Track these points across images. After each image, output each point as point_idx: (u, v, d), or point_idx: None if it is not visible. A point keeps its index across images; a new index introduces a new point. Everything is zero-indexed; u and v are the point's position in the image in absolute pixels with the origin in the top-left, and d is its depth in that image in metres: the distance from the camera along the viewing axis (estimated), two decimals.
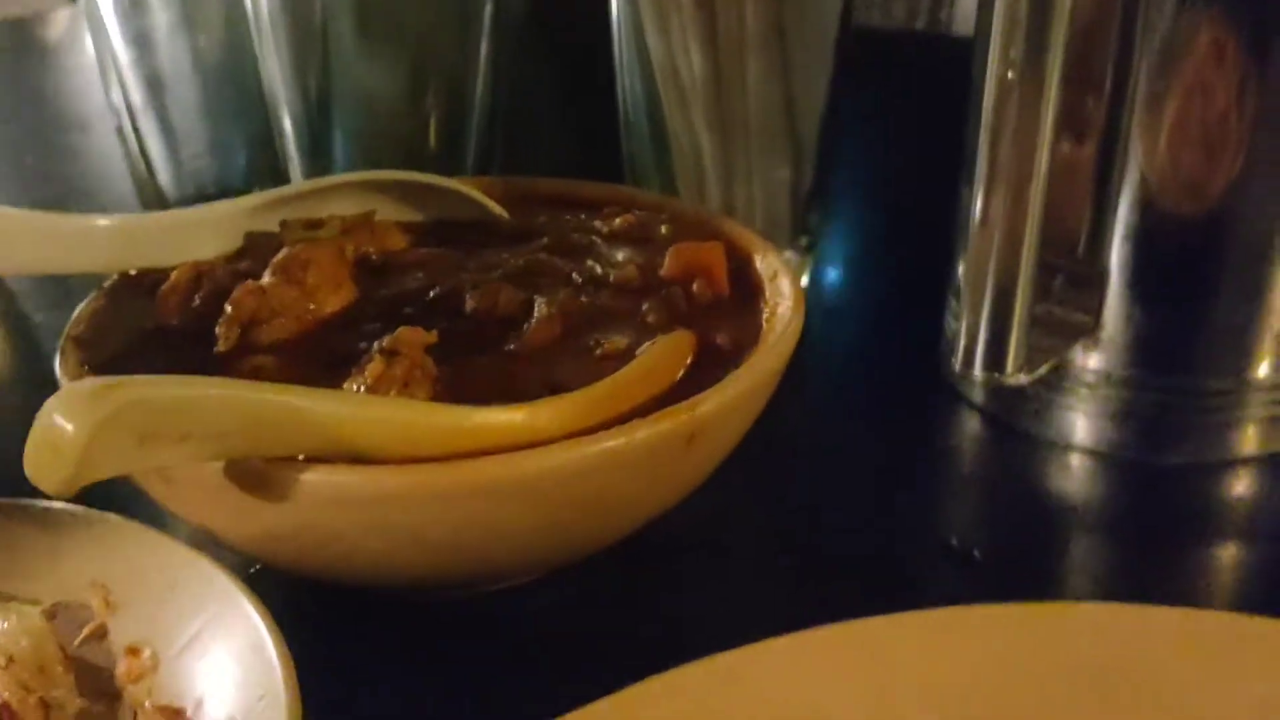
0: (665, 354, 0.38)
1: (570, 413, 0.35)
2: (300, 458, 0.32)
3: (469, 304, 0.40)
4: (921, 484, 0.47)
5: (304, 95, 0.58)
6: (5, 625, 0.35)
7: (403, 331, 0.36)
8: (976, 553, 0.42)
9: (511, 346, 0.38)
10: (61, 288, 0.63)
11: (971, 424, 0.49)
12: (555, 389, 0.36)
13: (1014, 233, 0.40)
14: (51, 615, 0.36)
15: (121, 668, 0.35)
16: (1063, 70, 0.39)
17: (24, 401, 0.50)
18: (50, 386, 0.51)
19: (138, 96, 0.65)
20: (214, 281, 0.41)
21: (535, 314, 0.39)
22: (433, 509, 0.33)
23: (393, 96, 0.58)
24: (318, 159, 0.59)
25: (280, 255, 0.41)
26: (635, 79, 0.58)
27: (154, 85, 0.65)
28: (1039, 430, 0.48)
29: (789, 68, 0.54)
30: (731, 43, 0.53)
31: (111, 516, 0.39)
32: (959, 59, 0.50)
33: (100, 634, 0.36)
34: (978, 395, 0.50)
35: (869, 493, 0.46)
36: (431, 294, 0.41)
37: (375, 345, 0.36)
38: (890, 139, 0.69)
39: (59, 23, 1.15)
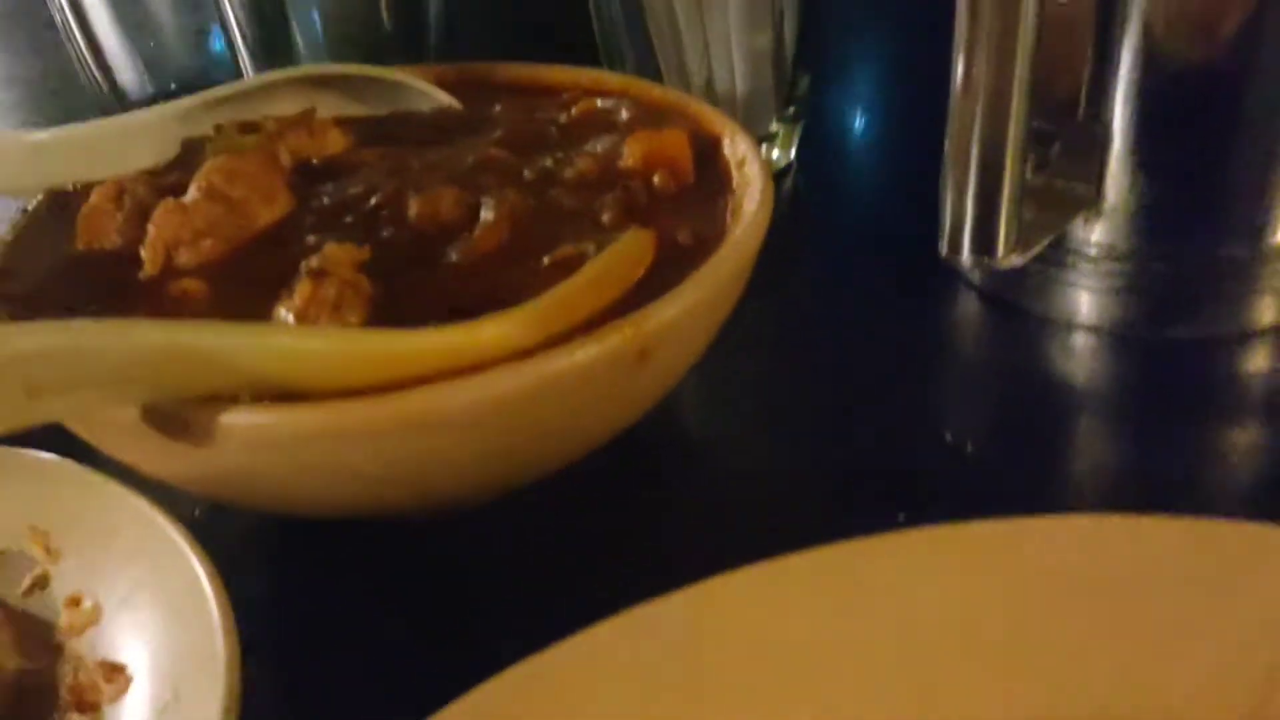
0: (620, 257, 0.34)
1: (514, 330, 0.32)
2: (220, 398, 0.30)
3: (411, 211, 0.37)
4: (919, 370, 0.44)
5: None
6: None
7: (330, 249, 0.34)
8: (970, 446, 0.39)
9: (453, 257, 0.35)
10: None
11: (970, 305, 0.46)
12: (501, 304, 0.33)
13: (1000, 95, 0.36)
14: None
15: (64, 620, 0.33)
16: None
17: None
18: None
19: None
20: (136, 200, 0.38)
21: (481, 219, 0.36)
22: (362, 445, 0.30)
23: None
24: (268, 46, 0.56)
25: (206, 168, 0.38)
26: None
27: None
28: (1042, 309, 0.44)
29: None
30: None
31: (47, 456, 0.37)
32: None
33: (42, 583, 0.35)
34: (976, 275, 0.47)
35: (862, 382, 0.43)
36: (371, 201, 0.38)
37: (303, 266, 0.33)
38: None
39: None
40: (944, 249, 0.39)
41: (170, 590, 0.32)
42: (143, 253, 0.36)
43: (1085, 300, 0.43)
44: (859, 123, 0.57)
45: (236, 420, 0.30)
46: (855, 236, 0.51)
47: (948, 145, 0.37)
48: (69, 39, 0.61)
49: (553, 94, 0.46)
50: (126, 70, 0.63)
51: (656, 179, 0.38)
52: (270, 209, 0.38)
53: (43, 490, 0.36)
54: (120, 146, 0.42)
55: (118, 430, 0.31)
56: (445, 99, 0.45)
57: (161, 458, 0.32)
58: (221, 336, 0.29)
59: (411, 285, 0.34)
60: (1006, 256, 0.38)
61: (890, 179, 0.54)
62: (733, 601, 0.29)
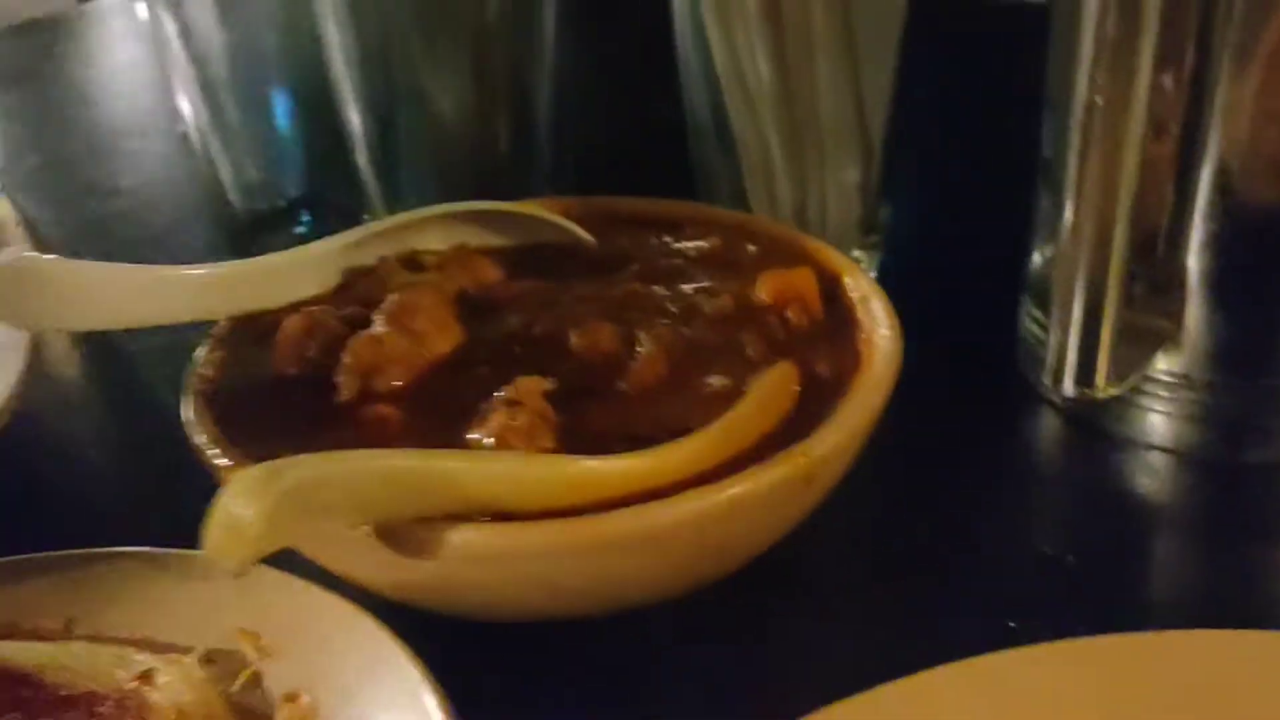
0: (772, 389, 0.39)
1: (691, 456, 0.36)
2: (441, 517, 0.34)
3: (572, 342, 0.42)
4: (1008, 488, 0.48)
5: (371, 106, 0.59)
6: (168, 678, 0.37)
7: (521, 381, 0.38)
8: (1070, 558, 0.43)
9: (621, 387, 0.40)
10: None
11: (1052, 424, 0.51)
12: (671, 430, 0.38)
13: (1103, 237, 0.40)
14: (207, 662, 0.39)
15: (281, 715, 0.37)
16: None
17: (139, 447, 0.53)
18: (163, 434, 0.53)
19: (202, 105, 0.66)
20: (327, 331, 0.42)
21: (639, 351, 0.41)
22: (568, 562, 0.35)
23: (459, 106, 0.59)
24: (388, 173, 0.61)
25: (388, 303, 0.42)
26: (700, 85, 0.59)
27: (213, 91, 0.65)
28: (1121, 430, 0.48)
29: (858, 66, 0.55)
30: (799, 46, 0.54)
31: (260, 566, 0.41)
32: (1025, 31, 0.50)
33: (255, 681, 0.38)
34: (1056, 394, 0.51)
35: (956, 500, 0.47)
36: (535, 331, 0.42)
37: (496, 396, 0.38)
38: (953, 127, 0.70)
39: (83, 21, 1.15)
40: (1047, 381, 0.43)
41: (387, 692, 0.36)
42: (338, 379, 0.40)
43: (1162, 424, 0.48)
44: (937, 250, 0.62)
45: (465, 538, 0.34)
46: (936, 359, 0.56)
47: (1054, 285, 0.42)
48: (203, 149, 0.65)
49: (672, 227, 0.50)
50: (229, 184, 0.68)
51: (790, 313, 0.43)
52: (445, 339, 0.42)
53: (253, 597, 0.39)
54: (290, 277, 0.47)
55: (347, 546, 0.35)
56: (581, 233, 0.49)
57: (381, 569, 0.36)
58: (466, 463, 0.34)
59: (587, 413, 0.39)
60: (1105, 389, 0.43)
61: (968, 303, 0.58)
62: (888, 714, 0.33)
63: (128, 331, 0.59)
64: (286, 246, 0.65)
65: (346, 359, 0.41)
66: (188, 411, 0.40)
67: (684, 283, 0.45)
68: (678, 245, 0.49)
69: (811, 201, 0.58)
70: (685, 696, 0.39)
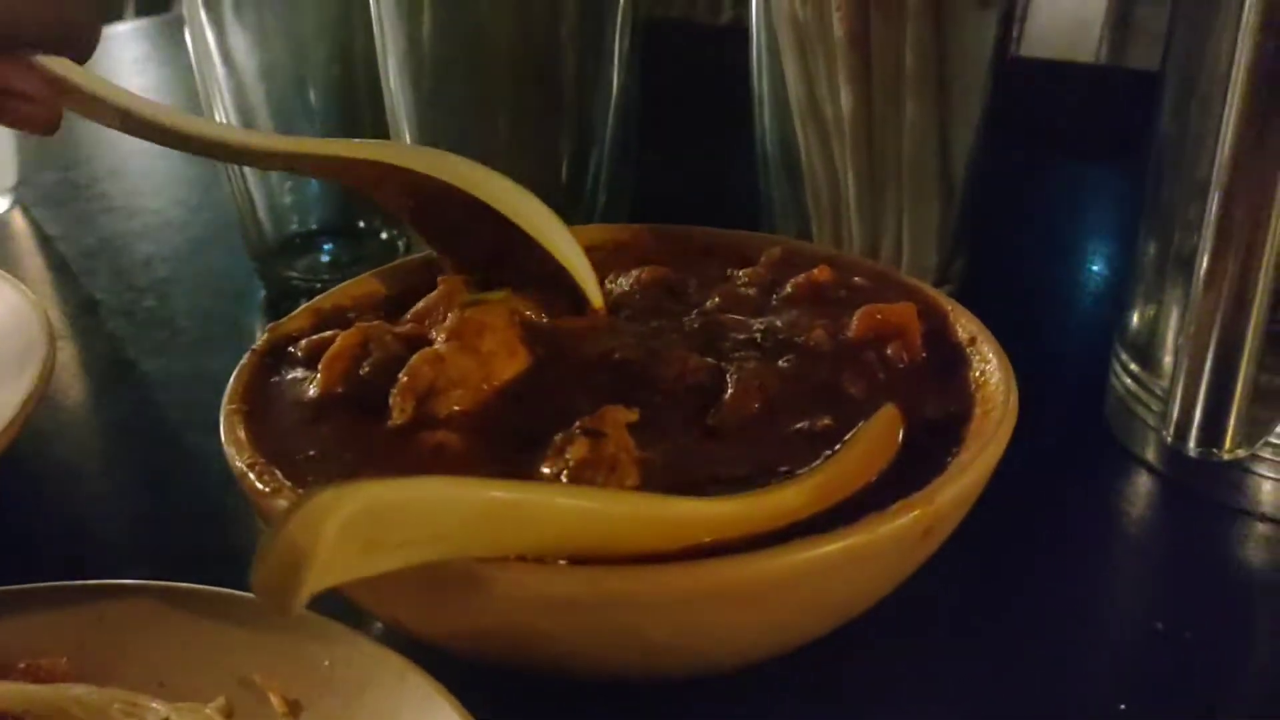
0: (879, 433, 0.35)
1: (793, 503, 0.32)
2: (513, 558, 0.30)
3: (656, 373, 0.38)
4: (1108, 557, 0.44)
5: (427, 131, 0.56)
6: None
7: (607, 410, 0.34)
8: (1186, 634, 0.39)
9: (710, 423, 0.36)
10: (166, 329, 0.61)
11: (1147, 486, 0.47)
12: (762, 471, 0.34)
13: (1243, 296, 0.37)
14: (227, 715, 0.34)
15: None
16: None
17: (154, 474, 0.48)
18: (183, 461, 0.48)
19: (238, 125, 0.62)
20: (383, 348, 0.38)
21: (729, 385, 0.37)
22: (658, 612, 0.30)
23: (518, 131, 0.56)
24: None
25: (453, 320, 0.38)
26: (772, 117, 0.56)
27: (248, 113, 0.62)
28: (1223, 496, 0.45)
29: (945, 105, 0.51)
30: (887, 81, 0.51)
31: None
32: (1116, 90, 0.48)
33: None
34: (1150, 454, 0.47)
35: (1054, 570, 0.43)
36: (614, 359, 0.38)
37: (575, 427, 0.34)
38: (1032, 176, 0.67)
39: (113, 42, 1.13)
40: (1169, 438, 0.39)
41: None
42: (392, 400, 0.36)
43: (1267, 488, 0.44)
44: (1013, 304, 0.58)
45: (543, 581, 0.29)
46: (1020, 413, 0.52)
47: (1186, 340, 0.38)
48: (237, 171, 0.62)
49: (748, 260, 0.46)
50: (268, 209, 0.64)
51: (890, 350, 0.39)
52: (511, 364, 0.38)
53: (279, 640, 0.35)
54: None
55: (402, 586, 0.31)
56: (595, 296, 0.43)
57: (437, 614, 0.32)
58: (553, 498, 0.29)
59: (672, 449, 0.35)
60: (1231, 449, 0.39)
61: (1047, 360, 0.55)
62: None
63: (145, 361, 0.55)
64: (312, 270, 0.63)
65: (404, 378, 0.36)
66: (227, 432, 0.36)
67: (769, 316, 0.42)
68: (755, 278, 0.45)
69: (886, 243, 0.54)
70: None
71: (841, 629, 0.35)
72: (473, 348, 0.37)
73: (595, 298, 0.42)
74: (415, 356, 0.37)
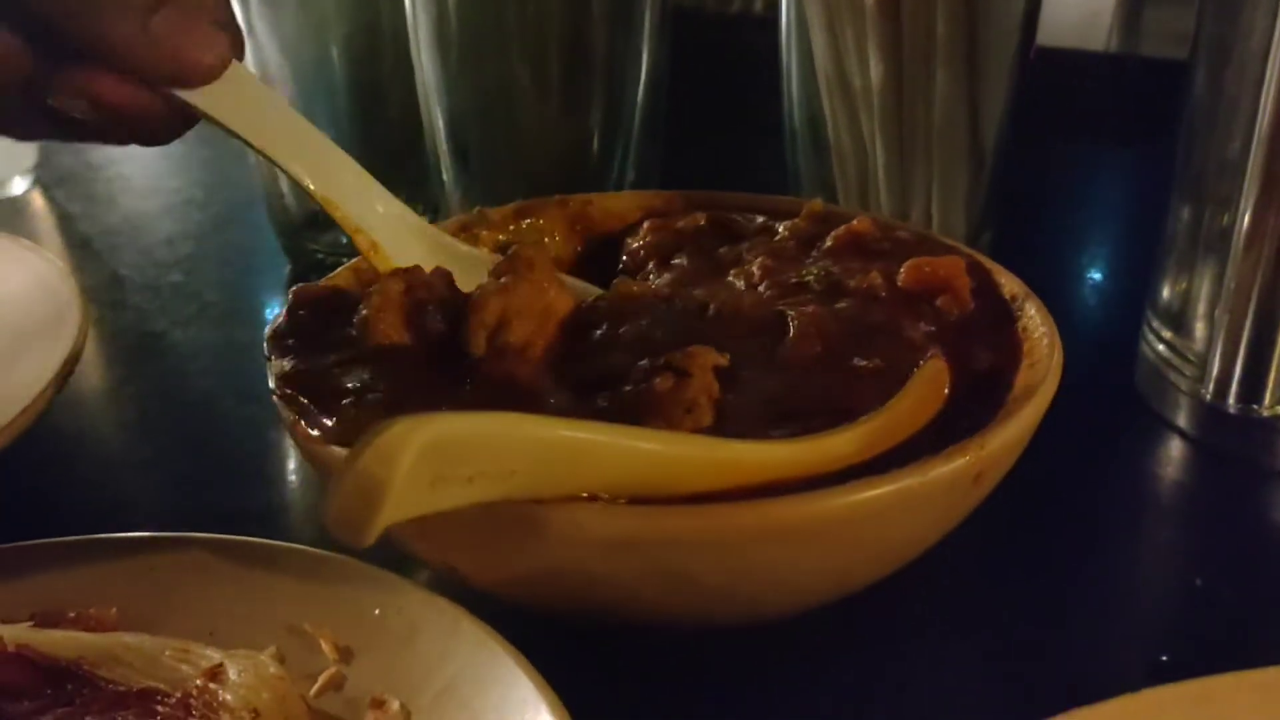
0: (929, 383, 0.35)
1: (851, 447, 0.32)
2: (584, 496, 0.30)
3: (712, 310, 0.38)
4: (1144, 516, 0.44)
5: (457, 103, 0.56)
6: (239, 676, 0.32)
7: (696, 351, 0.33)
8: (1226, 590, 0.39)
9: (774, 362, 0.36)
10: (193, 303, 0.61)
11: (1179, 449, 0.47)
12: (824, 412, 0.34)
13: None
14: (279, 662, 0.34)
15: None
16: None
17: (192, 435, 0.49)
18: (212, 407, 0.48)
19: None
20: (431, 291, 0.38)
21: (790, 328, 0.37)
22: (714, 552, 0.30)
23: (550, 105, 0.56)
24: (468, 172, 0.57)
25: (508, 257, 0.38)
26: (800, 90, 0.56)
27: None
28: (1251, 456, 0.45)
29: (976, 75, 0.52)
30: (918, 50, 0.51)
31: (335, 555, 0.37)
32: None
33: (336, 684, 0.34)
34: (1182, 420, 0.47)
35: (1093, 528, 0.43)
36: (675, 304, 0.38)
37: (664, 360, 0.33)
38: (1054, 158, 0.67)
39: None
40: (1208, 396, 0.40)
41: (493, 699, 0.31)
42: (469, 333, 0.35)
43: None
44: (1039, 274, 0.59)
45: (607, 519, 0.29)
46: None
47: (1226, 297, 0.39)
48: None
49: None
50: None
51: (940, 302, 0.39)
52: (565, 299, 0.38)
53: (329, 588, 0.35)
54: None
55: (459, 527, 0.31)
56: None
57: (497, 557, 0.32)
58: (627, 439, 0.29)
59: (739, 391, 0.35)
60: (1272, 406, 0.39)
61: (1075, 328, 0.55)
62: None
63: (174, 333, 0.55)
64: (334, 247, 0.63)
65: (475, 313, 0.36)
66: (276, 380, 0.36)
67: (820, 264, 0.41)
68: (795, 231, 0.44)
69: (915, 215, 0.55)
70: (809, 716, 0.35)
71: (887, 580, 0.35)
72: (530, 278, 0.37)
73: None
74: (477, 290, 0.36)
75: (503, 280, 0.36)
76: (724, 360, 0.33)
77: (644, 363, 0.33)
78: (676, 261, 0.42)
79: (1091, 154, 0.75)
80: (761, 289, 0.39)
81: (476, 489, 0.28)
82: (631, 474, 0.30)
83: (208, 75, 0.37)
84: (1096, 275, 0.60)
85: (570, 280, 0.41)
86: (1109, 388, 0.51)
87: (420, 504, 0.27)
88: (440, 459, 0.27)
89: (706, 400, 0.32)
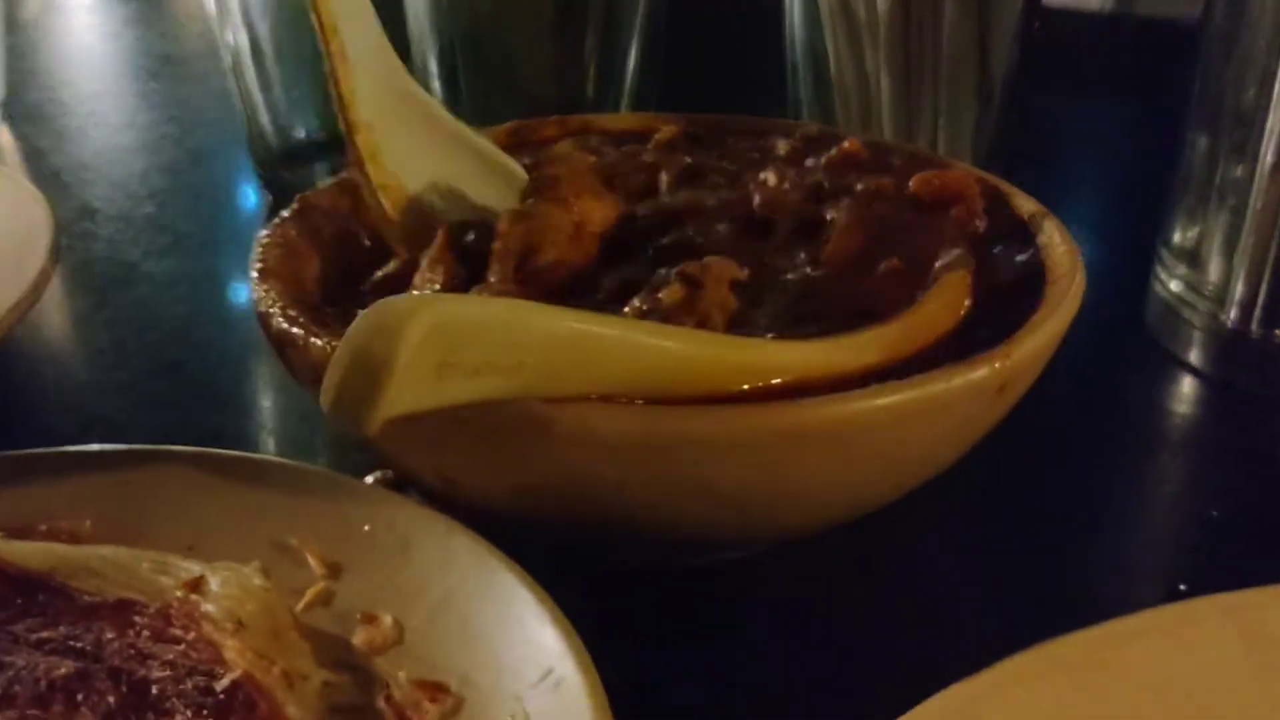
0: (955, 288, 0.34)
1: (874, 348, 0.31)
2: (594, 396, 0.28)
3: (756, 201, 0.36)
4: (1160, 450, 0.43)
5: (448, 37, 0.54)
6: (222, 587, 0.30)
7: (714, 263, 0.32)
8: (1242, 520, 0.38)
9: (810, 264, 0.34)
10: (168, 234, 0.59)
11: (1191, 385, 0.46)
12: (853, 315, 0.32)
13: None
14: (264, 576, 0.32)
15: (360, 637, 0.31)
16: None
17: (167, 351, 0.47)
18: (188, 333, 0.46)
19: (247, 39, 0.60)
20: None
21: (836, 222, 0.35)
22: (726, 455, 0.29)
23: (546, 36, 0.54)
24: (457, 94, 0.55)
25: (531, 178, 0.36)
26: (803, 20, 0.54)
27: (260, 29, 0.60)
28: (1265, 391, 0.44)
29: (986, 6, 0.50)
30: None
31: (322, 470, 0.35)
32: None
33: (324, 599, 0.32)
34: (1194, 357, 0.46)
35: (1110, 462, 0.42)
36: (712, 202, 0.37)
37: (678, 270, 0.31)
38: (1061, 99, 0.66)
39: None
40: (1230, 321, 0.39)
41: (488, 610, 0.30)
42: (496, 263, 0.33)
43: None
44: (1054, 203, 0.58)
45: (616, 419, 0.28)
46: None
47: (1252, 219, 0.37)
48: (235, 78, 0.60)
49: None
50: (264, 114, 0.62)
51: (955, 213, 0.38)
52: (601, 208, 0.36)
53: (316, 503, 0.33)
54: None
55: (460, 433, 0.29)
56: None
57: (498, 464, 0.30)
58: (635, 333, 0.28)
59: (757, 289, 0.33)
60: None
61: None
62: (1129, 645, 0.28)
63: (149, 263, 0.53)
64: (312, 179, 0.60)
65: (497, 244, 0.33)
66: (265, 285, 0.34)
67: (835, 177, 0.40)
68: (789, 151, 0.43)
69: (920, 146, 0.53)
70: (822, 643, 0.34)
71: (901, 504, 0.34)
72: (558, 197, 0.35)
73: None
74: (501, 219, 0.34)
75: (528, 203, 0.34)
76: (742, 275, 0.32)
77: (661, 272, 0.32)
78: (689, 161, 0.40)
79: (1099, 108, 0.74)
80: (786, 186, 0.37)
81: (484, 383, 0.26)
82: (645, 373, 0.28)
83: None
84: (1101, 220, 0.59)
85: None
86: (1121, 327, 0.50)
87: (425, 395, 0.25)
88: (447, 342, 0.25)
89: (720, 315, 0.31)
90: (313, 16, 0.33)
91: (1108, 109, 0.74)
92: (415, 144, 0.37)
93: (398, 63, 0.36)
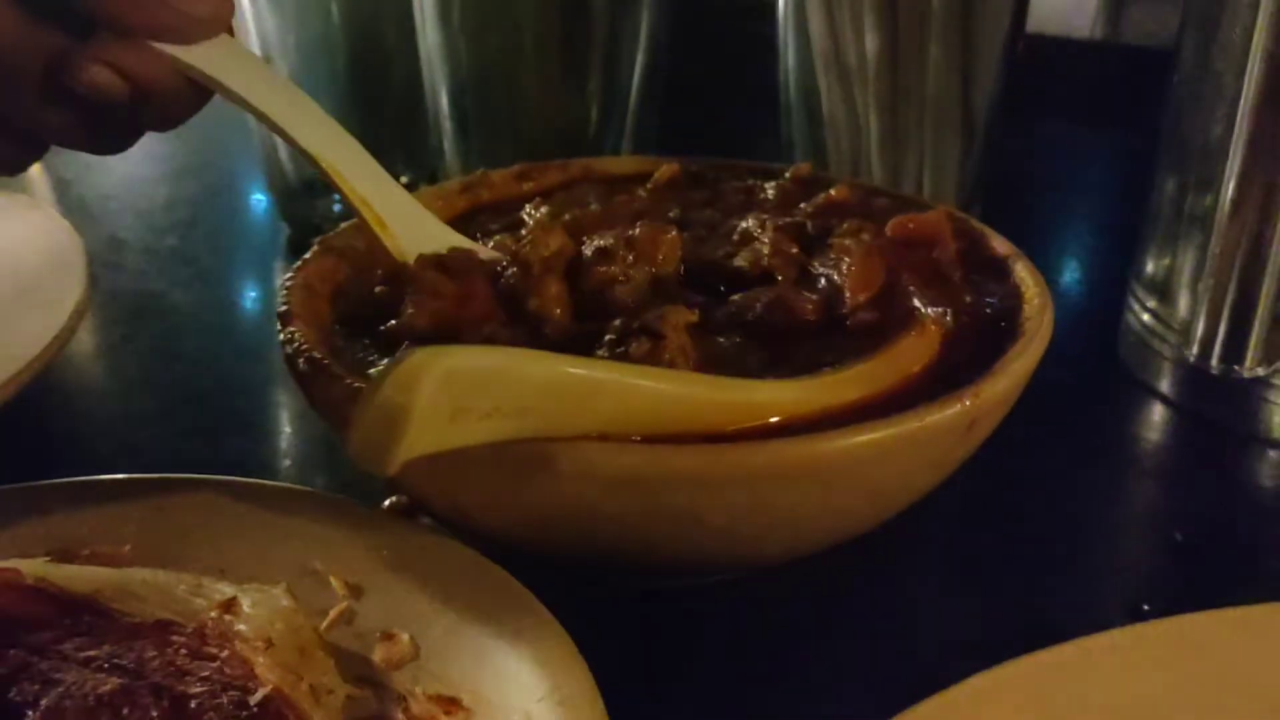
0: (927, 329, 0.36)
1: (850, 386, 0.34)
2: (595, 435, 0.31)
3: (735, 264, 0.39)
4: (1130, 476, 0.45)
5: (456, 71, 0.57)
6: (252, 608, 0.33)
7: (670, 312, 0.34)
8: (1205, 545, 0.41)
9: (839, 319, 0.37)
10: (192, 266, 0.61)
11: (1161, 414, 0.48)
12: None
13: (1266, 220, 0.39)
14: (291, 597, 0.35)
15: (379, 654, 0.33)
16: None
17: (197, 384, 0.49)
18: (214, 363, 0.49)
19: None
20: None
21: (846, 271, 0.38)
22: (719, 491, 0.31)
23: (550, 70, 0.57)
24: (468, 140, 0.58)
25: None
26: (796, 65, 0.57)
27: (277, 64, 0.63)
28: (1230, 421, 0.46)
29: (969, 49, 0.53)
30: (913, 21, 0.52)
31: (343, 499, 0.38)
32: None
33: (346, 619, 0.35)
34: (1165, 386, 0.49)
35: (1079, 488, 0.44)
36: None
37: (637, 324, 0.34)
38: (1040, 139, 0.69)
39: None
40: (1192, 356, 0.41)
41: (503, 633, 0.32)
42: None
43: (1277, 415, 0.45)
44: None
45: (617, 458, 0.30)
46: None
47: (1212, 260, 0.40)
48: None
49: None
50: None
51: (935, 254, 0.40)
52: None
53: (336, 530, 0.36)
54: None
55: (470, 468, 0.32)
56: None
57: (507, 496, 0.33)
58: (642, 379, 0.31)
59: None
60: (1253, 368, 0.40)
61: (1056, 301, 0.56)
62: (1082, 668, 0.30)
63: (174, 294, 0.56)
64: (328, 212, 0.63)
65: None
66: (290, 328, 0.37)
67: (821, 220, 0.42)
68: (780, 192, 0.45)
69: (906, 186, 0.56)
70: (807, 662, 0.36)
71: (879, 531, 0.36)
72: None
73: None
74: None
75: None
76: (693, 318, 0.34)
77: (617, 323, 0.34)
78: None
79: (1081, 137, 0.76)
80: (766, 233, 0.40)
81: (494, 425, 0.29)
82: (640, 413, 0.31)
83: (208, 25, 0.35)
84: (1081, 251, 0.62)
85: None
86: (1094, 357, 0.52)
87: (440, 437, 0.28)
88: (459, 390, 0.28)
89: (683, 358, 0.33)
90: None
91: (1091, 139, 0.77)
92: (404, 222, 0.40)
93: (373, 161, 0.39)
